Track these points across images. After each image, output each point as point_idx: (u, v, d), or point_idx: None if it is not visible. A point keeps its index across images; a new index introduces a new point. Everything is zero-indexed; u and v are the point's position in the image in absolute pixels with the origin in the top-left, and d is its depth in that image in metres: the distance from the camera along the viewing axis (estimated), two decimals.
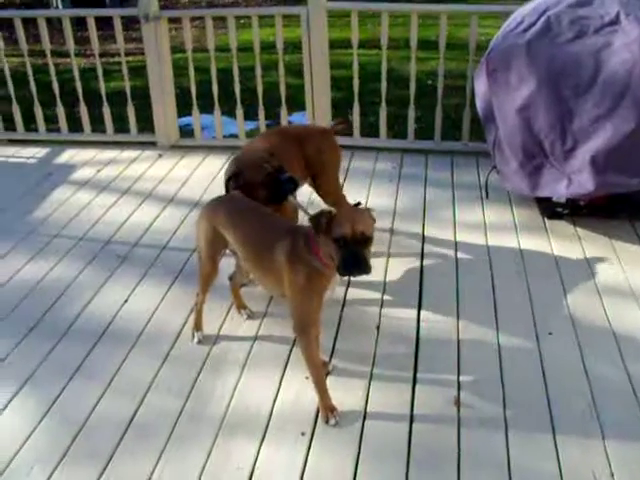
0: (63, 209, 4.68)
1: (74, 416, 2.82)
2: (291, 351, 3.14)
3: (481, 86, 4.18)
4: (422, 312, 3.40)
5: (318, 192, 3.84)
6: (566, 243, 3.97)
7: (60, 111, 5.82)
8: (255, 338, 3.25)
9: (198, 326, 3.26)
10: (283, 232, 2.79)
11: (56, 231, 4.36)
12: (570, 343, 3.14)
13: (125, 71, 5.64)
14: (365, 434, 2.67)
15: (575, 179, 3.80)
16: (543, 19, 3.80)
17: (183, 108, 5.96)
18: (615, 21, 3.58)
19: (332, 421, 2.71)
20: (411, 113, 5.34)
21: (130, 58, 8.50)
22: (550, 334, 3.20)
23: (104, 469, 2.56)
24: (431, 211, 4.44)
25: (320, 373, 2.79)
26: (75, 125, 5.96)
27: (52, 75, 5.68)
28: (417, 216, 4.37)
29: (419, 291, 3.57)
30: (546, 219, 4.24)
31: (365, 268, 2.50)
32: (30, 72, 5.71)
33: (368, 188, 4.80)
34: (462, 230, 4.16)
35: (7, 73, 5.73)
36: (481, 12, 5.11)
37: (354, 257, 2.47)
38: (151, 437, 2.70)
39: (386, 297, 3.54)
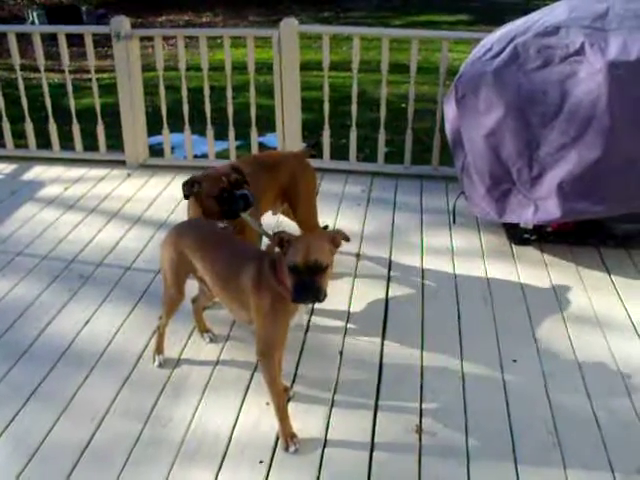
0: (28, 227, 4.60)
1: (28, 440, 2.75)
2: (252, 376, 3.09)
3: (450, 111, 4.19)
4: (386, 338, 3.37)
5: (294, 219, 3.80)
6: (533, 269, 3.98)
7: (29, 127, 5.75)
8: (217, 362, 3.21)
9: (160, 349, 3.21)
10: (250, 257, 2.75)
11: (19, 249, 4.28)
12: (534, 371, 3.13)
13: (95, 88, 5.58)
14: (325, 462, 2.63)
15: (542, 205, 3.82)
16: (511, 47, 3.83)
17: (155, 126, 5.91)
18: (580, 51, 3.61)
19: (292, 448, 2.67)
20: (381, 136, 5.35)
21: (105, 75, 8.47)
22: (514, 361, 3.19)
23: None
24: (399, 236, 4.42)
25: (281, 398, 2.75)
26: (45, 141, 5.89)
27: (21, 90, 5.62)
28: (385, 241, 4.35)
29: (384, 317, 3.55)
30: (513, 245, 4.25)
31: (317, 295, 2.45)
32: None
33: (337, 211, 4.78)
34: (429, 255, 4.16)
35: None
36: (452, 38, 5.18)
37: (305, 285, 2.43)
38: (107, 463, 2.64)
39: (350, 322, 3.51)
